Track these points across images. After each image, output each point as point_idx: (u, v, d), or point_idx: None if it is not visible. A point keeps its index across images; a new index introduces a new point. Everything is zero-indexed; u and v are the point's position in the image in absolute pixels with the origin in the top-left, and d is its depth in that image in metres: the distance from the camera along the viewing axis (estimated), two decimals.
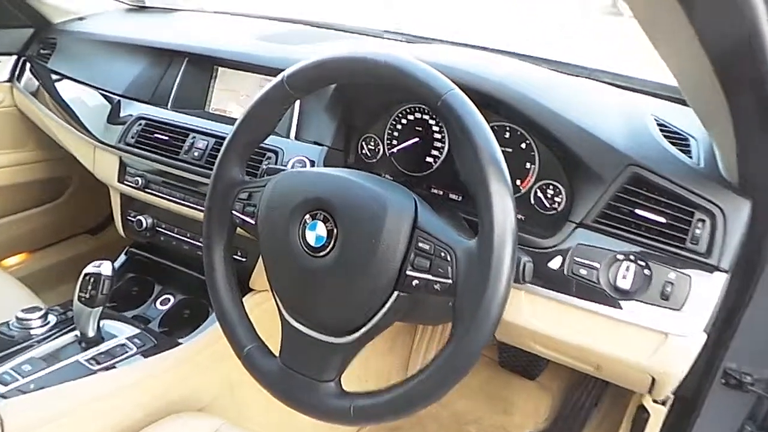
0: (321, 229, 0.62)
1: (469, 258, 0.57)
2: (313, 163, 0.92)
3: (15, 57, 1.44)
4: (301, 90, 0.69)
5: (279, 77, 0.69)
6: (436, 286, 0.58)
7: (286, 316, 0.68)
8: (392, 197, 0.61)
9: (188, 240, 1.08)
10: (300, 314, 0.67)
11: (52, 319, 0.97)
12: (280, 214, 0.66)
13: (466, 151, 0.57)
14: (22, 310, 0.95)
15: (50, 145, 1.52)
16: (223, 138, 1.01)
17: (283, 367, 0.68)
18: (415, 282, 0.59)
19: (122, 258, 1.19)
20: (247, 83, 1.09)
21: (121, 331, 0.97)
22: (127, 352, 0.93)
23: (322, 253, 0.62)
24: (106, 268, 0.90)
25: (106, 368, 0.89)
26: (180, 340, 0.97)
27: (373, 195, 0.61)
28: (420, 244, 0.59)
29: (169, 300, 1.11)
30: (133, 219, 1.13)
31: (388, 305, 0.60)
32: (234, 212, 0.73)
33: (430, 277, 0.58)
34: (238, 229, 0.74)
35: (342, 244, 0.61)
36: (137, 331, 0.98)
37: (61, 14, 1.44)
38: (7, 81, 1.43)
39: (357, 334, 0.63)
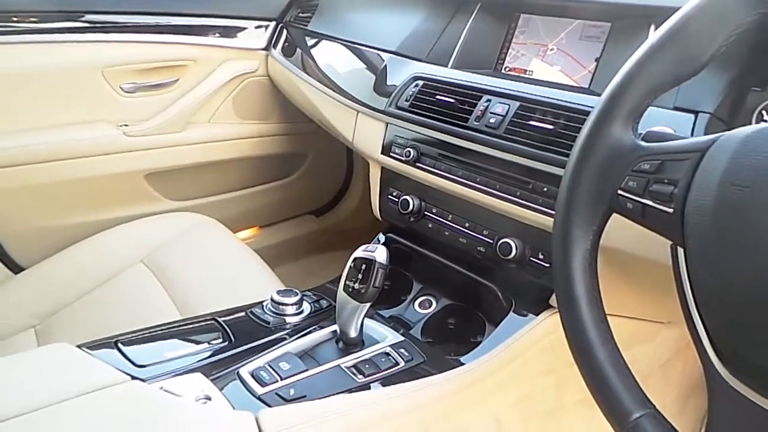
0: None
1: None
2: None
3: (273, 24, 1.38)
4: None
5: None
6: None
7: (731, 381, 0.39)
8: None
9: (465, 231, 0.84)
10: None
11: (306, 307, 0.81)
12: (760, 200, 0.37)
13: None
14: (279, 292, 0.80)
15: (292, 118, 1.45)
16: (531, 101, 0.77)
17: None
18: None
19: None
20: (559, 33, 0.82)
21: (383, 335, 0.77)
22: (394, 365, 0.72)
23: None
24: (380, 253, 0.70)
25: (370, 382, 0.70)
26: (462, 359, 0.74)
27: None
28: None
29: (430, 303, 0.89)
30: (396, 199, 0.93)
31: None
32: (623, 193, 0.46)
33: None
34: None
35: None
36: (401, 338, 0.77)
37: None
38: (263, 49, 1.38)
39: None
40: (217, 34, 1.33)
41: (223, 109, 1.37)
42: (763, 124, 0.40)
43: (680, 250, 0.42)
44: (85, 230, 1.17)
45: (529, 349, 0.76)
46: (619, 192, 0.46)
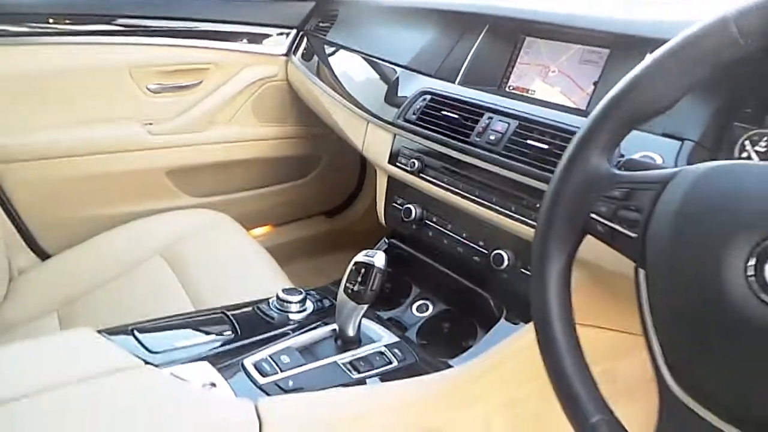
0: None
1: None
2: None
3: (294, 31, 1.44)
4: (756, 37, 0.43)
5: (718, 15, 0.44)
6: None
7: (680, 395, 0.43)
8: None
9: (463, 240, 0.89)
10: (720, 402, 0.41)
11: (309, 305, 0.86)
12: (708, 231, 0.41)
13: None
14: (284, 291, 0.85)
15: (309, 122, 1.51)
16: (531, 121, 0.82)
17: None
18: None
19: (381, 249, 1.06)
20: (561, 56, 0.86)
21: (379, 335, 0.82)
22: (387, 364, 0.77)
23: None
24: (379, 259, 0.75)
25: (364, 378, 0.75)
26: (450, 362, 0.79)
27: None
28: None
29: (427, 307, 0.94)
30: (399, 207, 0.98)
31: None
32: (594, 216, 0.50)
33: None
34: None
35: None
36: (396, 339, 0.82)
37: None
38: (284, 55, 1.43)
39: None
40: (241, 40, 1.39)
41: (243, 111, 1.43)
42: (718, 162, 0.44)
43: (641, 272, 0.46)
44: (108, 222, 1.23)
45: (516, 355, 0.80)
46: (592, 215, 0.50)
